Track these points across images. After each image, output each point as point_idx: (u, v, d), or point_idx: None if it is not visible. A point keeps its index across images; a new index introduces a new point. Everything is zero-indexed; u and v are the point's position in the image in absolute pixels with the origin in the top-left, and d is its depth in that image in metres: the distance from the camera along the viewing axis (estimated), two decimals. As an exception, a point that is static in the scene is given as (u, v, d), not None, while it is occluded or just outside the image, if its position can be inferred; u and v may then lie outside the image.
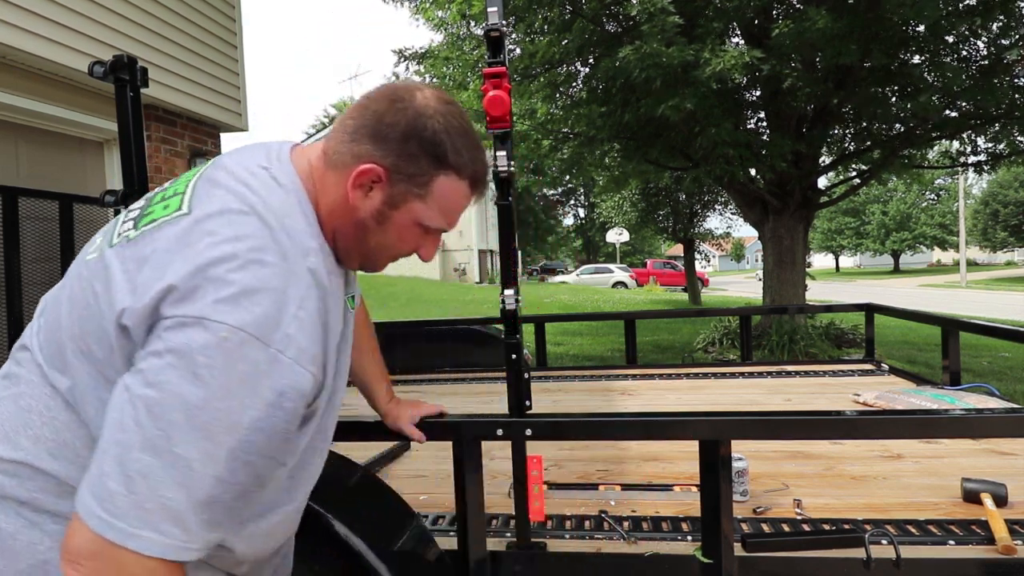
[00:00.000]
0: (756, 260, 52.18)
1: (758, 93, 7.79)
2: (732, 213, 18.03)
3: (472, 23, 7.52)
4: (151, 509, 0.65)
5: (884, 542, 1.47)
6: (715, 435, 1.29)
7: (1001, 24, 6.34)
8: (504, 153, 1.45)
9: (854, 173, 8.82)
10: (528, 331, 4.90)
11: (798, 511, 1.72)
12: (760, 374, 3.57)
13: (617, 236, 23.96)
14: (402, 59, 7.95)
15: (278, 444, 0.73)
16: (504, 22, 1.45)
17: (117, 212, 1.60)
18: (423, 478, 2.14)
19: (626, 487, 1.95)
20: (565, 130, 8.15)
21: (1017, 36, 6.32)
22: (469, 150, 0.88)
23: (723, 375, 3.60)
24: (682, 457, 2.19)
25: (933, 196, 43.05)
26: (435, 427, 1.42)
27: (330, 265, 0.86)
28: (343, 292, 0.92)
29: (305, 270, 0.78)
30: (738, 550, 1.38)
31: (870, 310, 3.82)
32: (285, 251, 0.77)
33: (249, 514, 0.83)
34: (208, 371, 0.66)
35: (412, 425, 1.38)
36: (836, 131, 8.01)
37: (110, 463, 0.66)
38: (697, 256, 19.45)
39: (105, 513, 0.65)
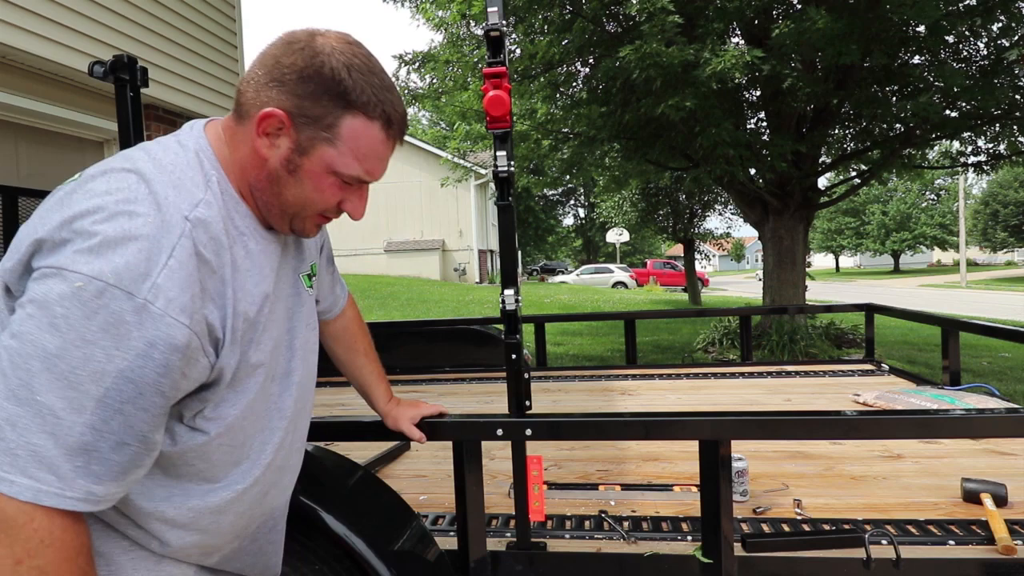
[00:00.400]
0: (756, 260, 52.20)
1: (758, 93, 7.79)
2: (732, 213, 18.03)
3: (472, 23, 7.52)
4: (21, 455, 0.66)
5: (884, 542, 1.47)
6: (715, 435, 1.29)
7: (1001, 24, 6.35)
8: (504, 153, 1.45)
9: (854, 173, 8.82)
10: (528, 331, 4.90)
11: (798, 511, 1.73)
12: (760, 374, 3.57)
13: (617, 236, 23.95)
14: (402, 64, 7.94)
15: (152, 398, 0.71)
16: (504, 22, 1.45)
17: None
18: (423, 478, 2.15)
19: (626, 487, 1.95)
20: (565, 130, 8.15)
21: (1017, 36, 6.32)
22: (376, 89, 0.84)
23: (723, 375, 3.60)
24: (682, 457, 2.19)
25: (933, 196, 43.06)
26: (435, 427, 1.42)
27: (245, 225, 0.85)
28: (275, 258, 0.90)
29: (182, 219, 0.75)
30: (738, 550, 1.38)
31: (870, 310, 3.82)
32: (161, 202, 0.75)
33: (172, 485, 0.83)
34: (64, 321, 0.67)
35: (412, 425, 1.37)
36: (836, 131, 8.00)
37: None
38: (697, 256, 19.45)
39: None
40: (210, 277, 0.77)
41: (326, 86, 0.81)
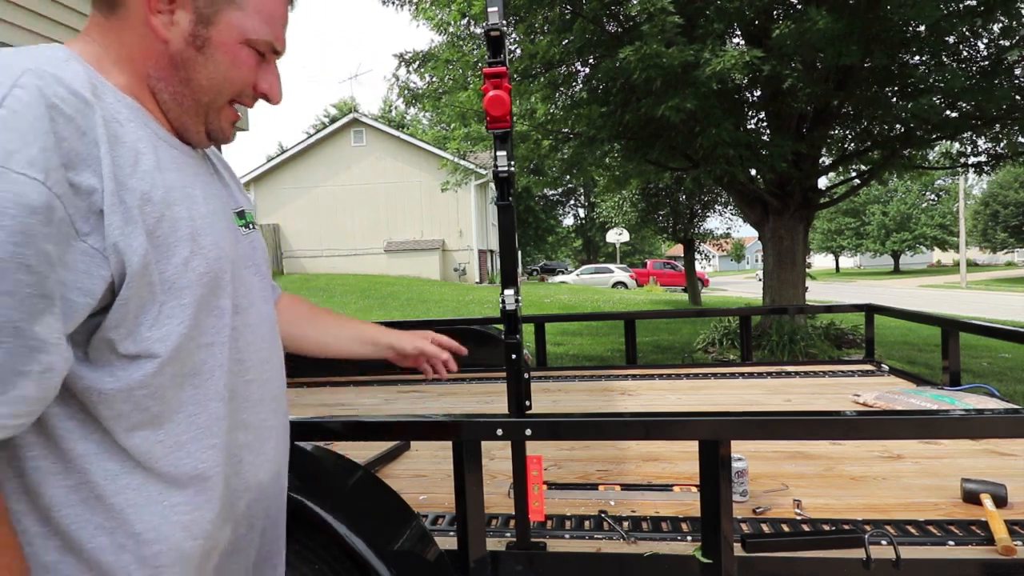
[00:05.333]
0: (756, 260, 52.18)
1: (758, 93, 7.80)
2: (732, 213, 18.04)
3: (472, 23, 7.52)
4: None
5: (884, 542, 1.47)
6: (715, 435, 1.29)
7: (1001, 25, 6.35)
8: (504, 153, 1.45)
9: (854, 174, 8.82)
10: (528, 331, 4.88)
11: (798, 511, 1.72)
12: (760, 374, 3.57)
13: (617, 236, 23.96)
14: (402, 63, 7.95)
15: (15, 275, 0.58)
16: (504, 22, 1.45)
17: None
18: (423, 478, 2.14)
19: (626, 487, 1.95)
20: (565, 130, 8.15)
21: (1018, 37, 6.32)
22: None
23: (723, 375, 3.60)
24: (682, 457, 2.19)
25: (933, 196, 43.09)
26: (435, 427, 1.42)
27: (131, 114, 0.71)
28: (187, 164, 0.78)
29: (21, 69, 0.62)
30: (738, 550, 1.38)
31: (870, 311, 3.82)
32: None
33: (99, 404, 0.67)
34: None
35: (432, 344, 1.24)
36: (836, 131, 8.01)
37: None
38: (697, 256, 19.47)
39: None
40: (72, 132, 0.62)
41: None
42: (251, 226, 0.90)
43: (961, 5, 6.19)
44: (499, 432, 1.40)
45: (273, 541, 0.93)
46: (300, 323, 1.13)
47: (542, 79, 7.50)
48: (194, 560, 0.73)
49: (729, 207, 16.96)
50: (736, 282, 38.91)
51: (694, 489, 1.89)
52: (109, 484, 0.68)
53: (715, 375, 3.61)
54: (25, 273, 0.58)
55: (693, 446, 1.32)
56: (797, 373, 3.56)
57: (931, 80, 6.48)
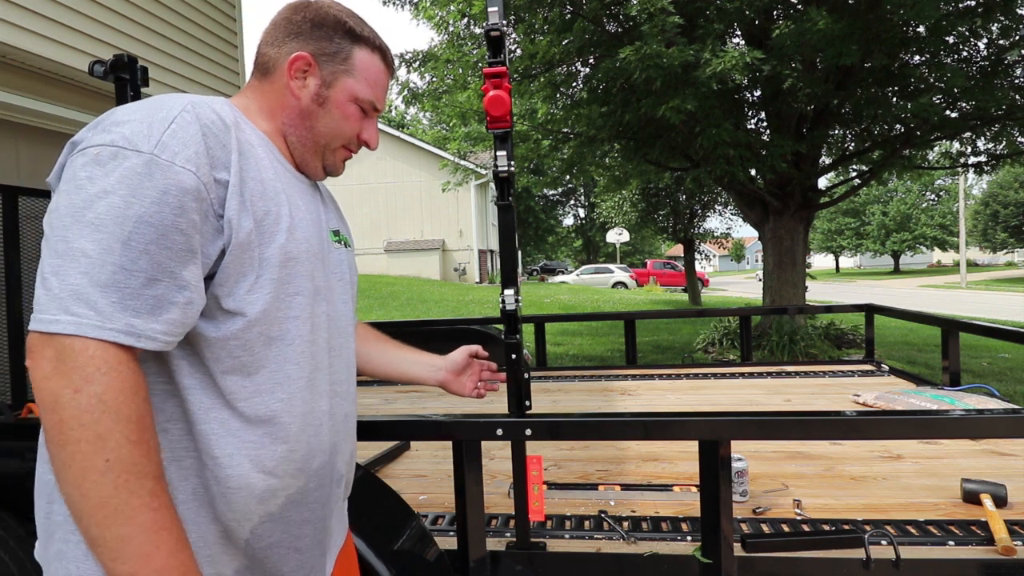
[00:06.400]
0: (756, 260, 52.20)
1: (758, 94, 7.79)
2: (732, 213, 18.03)
3: (472, 23, 7.52)
4: (63, 297, 0.75)
5: (884, 543, 1.47)
6: (715, 435, 1.29)
7: (1001, 25, 6.35)
8: (504, 153, 1.45)
9: (854, 173, 8.82)
10: (528, 331, 4.89)
11: (798, 511, 1.73)
12: (760, 374, 3.57)
13: (617, 236, 23.95)
14: (403, 63, 7.95)
15: (174, 237, 0.80)
16: (504, 22, 1.45)
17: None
18: (423, 478, 2.15)
19: (626, 487, 1.95)
20: (565, 130, 8.15)
21: (1017, 36, 6.32)
22: (369, 28, 1.04)
23: (723, 375, 3.60)
24: (682, 457, 2.19)
25: (933, 197, 43.08)
26: (435, 427, 1.42)
27: (260, 141, 0.95)
28: (295, 185, 0.99)
29: (187, 103, 0.86)
30: (738, 550, 1.38)
31: (870, 311, 3.82)
32: (165, 99, 0.87)
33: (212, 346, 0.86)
34: (88, 180, 0.78)
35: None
36: (836, 131, 8.00)
37: (38, 282, 0.78)
38: (697, 256, 19.46)
39: (35, 314, 0.77)
40: (215, 144, 0.86)
41: (335, 27, 1.01)
42: (344, 244, 1.12)
43: (961, 5, 6.19)
44: (499, 432, 1.40)
45: (330, 506, 1.03)
46: (369, 344, 1.36)
47: (542, 79, 7.50)
48: (256, 491, 0.89)
49: (729, 207, 16.94)
50: (736, 282, 38.91)
51: (694, 489, 1.89)
52: (202, 415, 0.87)
53: (715, 375, 3.61)
54: (179, 235, 0.80)
55: (693, 446, 1.32)
56: (797, 373, 3.56)
57: (931, 80, 6.47)
